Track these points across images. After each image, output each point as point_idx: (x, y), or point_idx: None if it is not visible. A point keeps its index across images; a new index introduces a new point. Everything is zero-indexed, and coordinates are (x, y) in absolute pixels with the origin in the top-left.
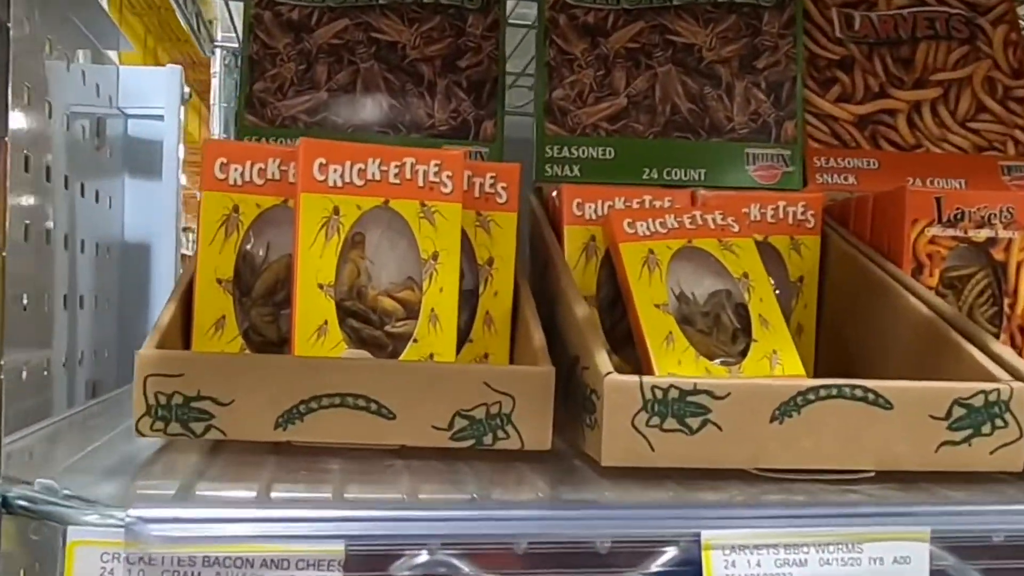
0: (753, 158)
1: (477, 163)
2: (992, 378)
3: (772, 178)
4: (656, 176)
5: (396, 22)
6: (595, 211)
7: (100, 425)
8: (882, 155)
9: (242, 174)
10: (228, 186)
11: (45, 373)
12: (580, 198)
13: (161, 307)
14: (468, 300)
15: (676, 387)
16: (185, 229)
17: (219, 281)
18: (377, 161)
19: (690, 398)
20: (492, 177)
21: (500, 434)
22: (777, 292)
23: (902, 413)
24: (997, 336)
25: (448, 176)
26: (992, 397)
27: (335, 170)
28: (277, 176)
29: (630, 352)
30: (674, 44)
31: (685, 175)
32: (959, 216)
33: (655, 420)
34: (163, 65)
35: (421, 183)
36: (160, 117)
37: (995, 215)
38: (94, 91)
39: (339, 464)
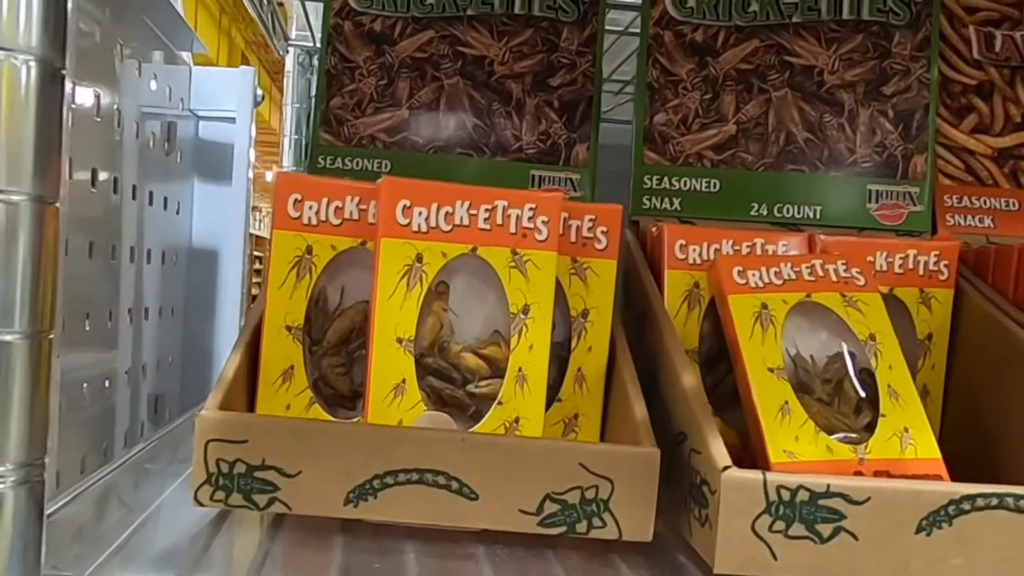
0: (876, 195)
1: (575, 204)
2: None
3: (897, 218)
4: (765, 212)
5: (485, 35)
6: (700, 254)
7: (158, 474)
8: (1023, 194)
9: (317, 212)
10: (302, 225)
11: (107, 385)
12: (684, 239)
13: (227, 313)
14: (558, 354)
15: (806, 488)
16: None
17: (288, 328)
18: (466, 204)
19: (822, 501)
20: (591, 220)
21: (596, 522)
22: (904, 338)
23: None
24: None
25: (544, 221)
26: None
27: (420, 213)
28: (356, 216)
29: (733, 415)
30: (791, 66)
31: (798, 212)
32: None
33: (779, 525)
34: (237, 59)
35: (513, 229)
36: (232, 119)
37: None
38: (166, 94)
39: (414, 549)
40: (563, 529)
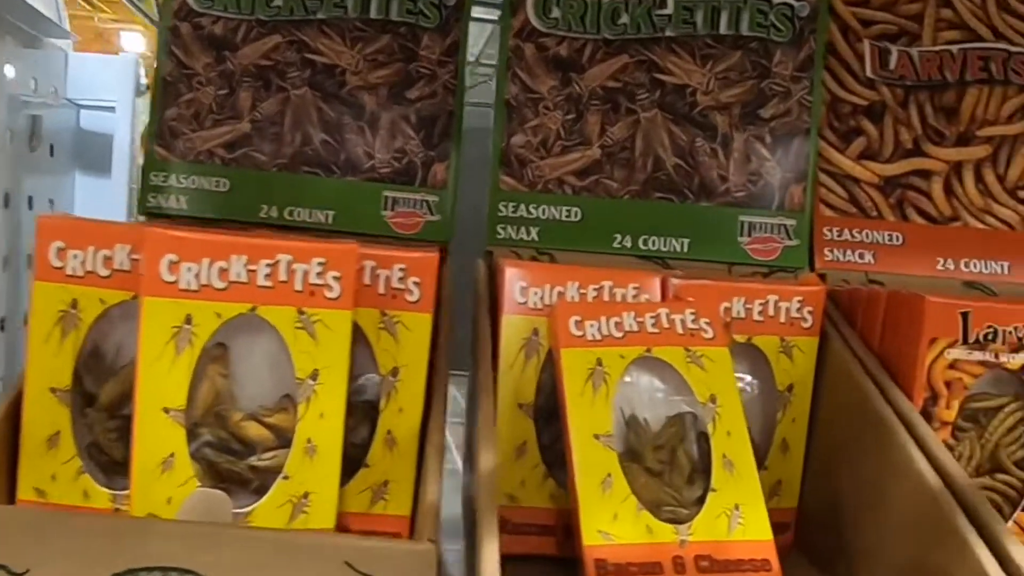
0: (749, 227)
1: (384, 250)
2: None
3: (770, 253)
4: (630, 244)
5: (336, 42)
6: (541, 298)
7: None
8: (909, 228)
9: (83, 262)
10: (65, 276)
11: None
12: (525, 281)
13: None
14: (368, 415)
15: None
16: None
17: (53, 390)
18: (243, 259)
19: None
20: (402, 270)
21: None
22: (762, 389)
23: None
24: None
25: (335, 277)
26: None
27: (189, 269)
28: (127, 266)
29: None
30: (663, 85)
31: (665, 244)
32: (990, 336)
33: None
34: None
35: (299, 286)
36: (112, 108)
37: None
38: (31, 84)
39: None
40: None
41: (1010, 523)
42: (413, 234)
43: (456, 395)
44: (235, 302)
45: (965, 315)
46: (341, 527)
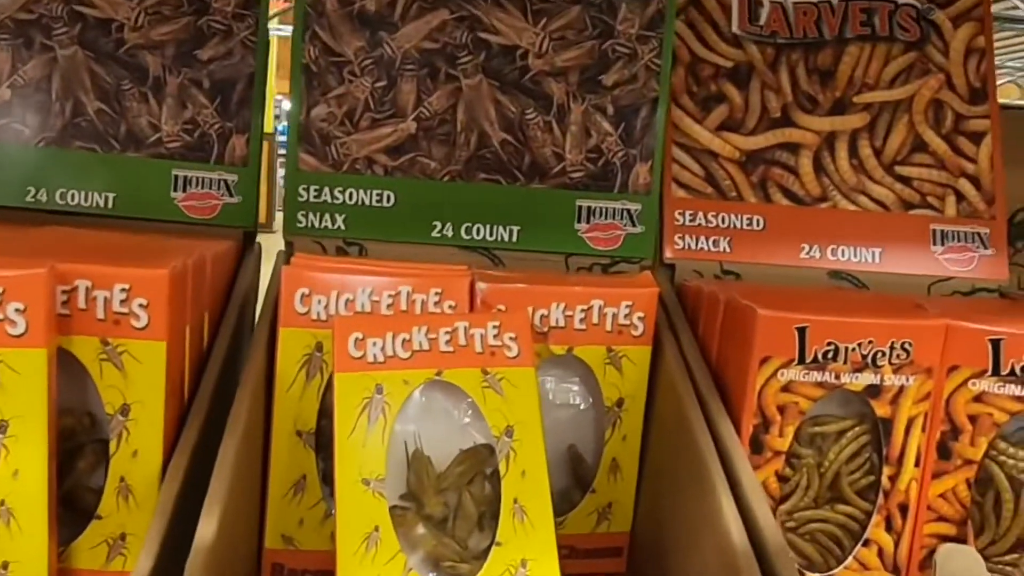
0: (588, 213)
1: (100, 269)
2: None
3: (612, 242)
4: (451, 233)
5: None
6: (326, 307)
7: None
8: (771, 210)
9: None
10: None
11: None
12: (307, 286)
13: None
14: (101, 457)
15: None
16: None
17: None
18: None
19: None
20: (124, 291)
21: None
22: (592, 415)
23: None
24: (871, 511)
25: (18, 309)
26: None
27: None
28: None
29: None
30: (488, 46)
31: (491, 233)
32: (831, 354)
33: None
34: None
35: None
36: None
37: (883, 353)
38: None
39: None
40: None
41: (850, 559)
42: (209, 219)
43: None
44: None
45: (802, 331)
46: None
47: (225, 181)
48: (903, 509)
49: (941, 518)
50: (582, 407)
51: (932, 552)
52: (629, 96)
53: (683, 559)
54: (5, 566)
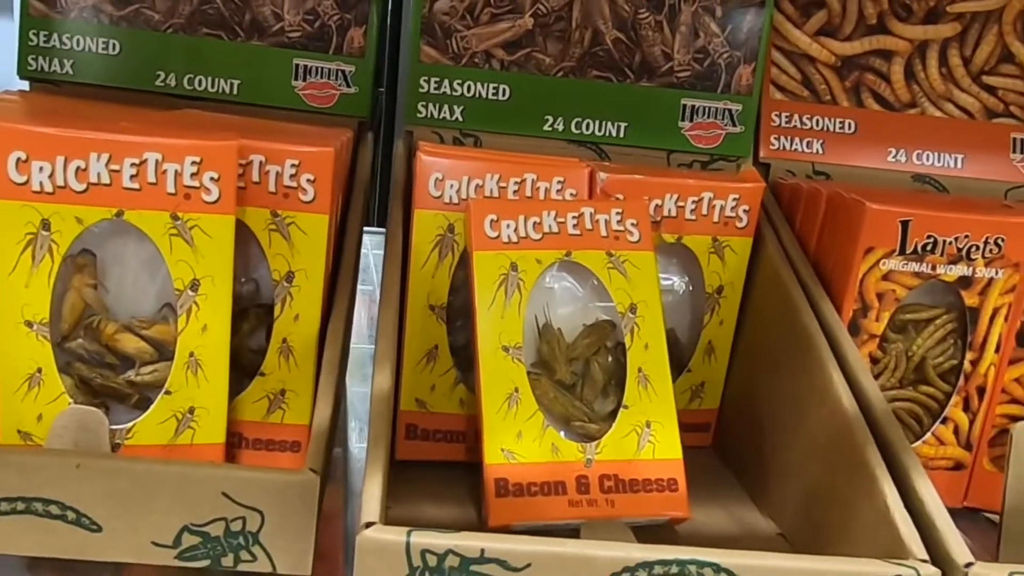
0: (691, 112)
1: (273, 146)
2: (894, 548)
3: (712, 140)
4: (562, 128)
5: None
6: (458, 191)
7: None
8: (862, 115)
9: None
10: None
11: None
12: (440, 172)
13: None
14: (263, 320)
15: (456, 552)
16: None
17: None
18: (105, 157)
19: (475, 567)
20: (294, 166)
21: (244, 555)
22: (691, 289)
23: None
24: (951, 392)
25: (212, 178)
26: None
27: (41, 169)
28: None
29: None
30: None
31: (600, 128)
32: (929, 247)
33: None
34: None
35: (172, 188)
36: None
37: (977, 247)
38: None
39: None
40: (206, 563)
41: (928, 435)
42: (327, 108)
43: None
44: (98, 206)
45: (905, 224)
46: (236, 437)
47: (343, 71)
48: (980, 391)
49: (1014, 400)
50: (682, 293)
51: (1003, 431)
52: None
53: (784, 430)
54: (191, 411)
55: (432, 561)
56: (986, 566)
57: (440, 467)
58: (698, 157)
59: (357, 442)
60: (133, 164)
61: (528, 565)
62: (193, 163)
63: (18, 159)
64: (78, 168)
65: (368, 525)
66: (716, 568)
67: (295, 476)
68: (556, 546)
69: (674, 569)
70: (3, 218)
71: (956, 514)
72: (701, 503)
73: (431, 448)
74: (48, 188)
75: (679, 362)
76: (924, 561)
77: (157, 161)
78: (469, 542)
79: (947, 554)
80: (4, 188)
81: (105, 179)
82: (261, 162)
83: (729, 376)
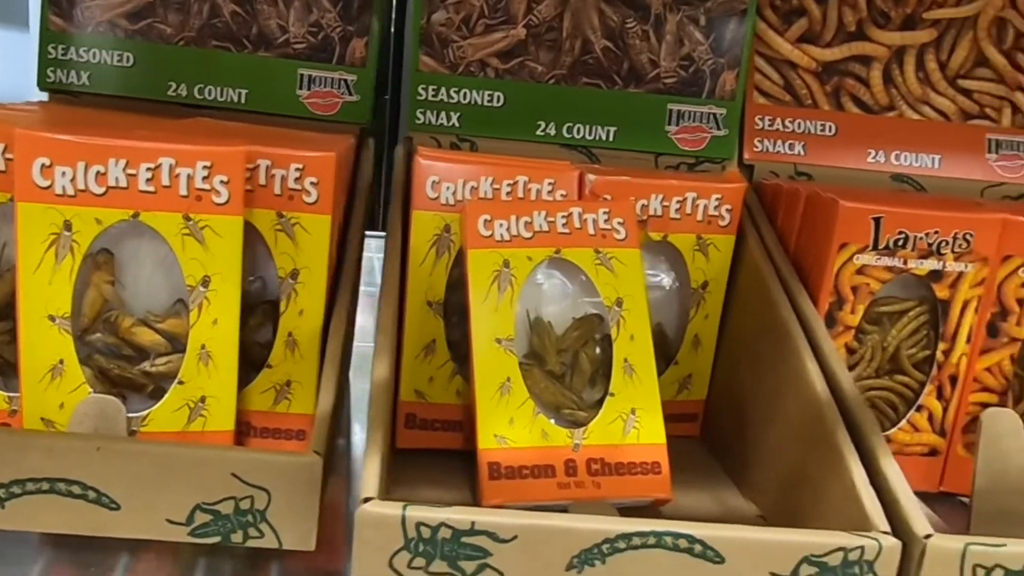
0: (678, 116)
1: (279, 151)
2: (859, 522)
3: (698, 143)
4: (554, 132)
5: None
6: (454, 193)
7: None
8: (842, 118)
9: None
10: None
11: None
12: (437, 175)
13: None
14: (269, 315)
15: (448, 525)
16: None
17: None
18: (122, 162)
19: (466, 539)
20: (298, 170)
21: (252, 532)
22: (677, 285)
23: (736, 570)
24: (925, 381)
25: (223, 181)
26: (853, 555)
27: (64, 173)
28: (1, 166)
29: None
30: None
31: (590, 133)
32: (901, 242)
33: (419, 562)
34: None
35: (184, 191)
36: None
37: (946, 243)
38: None
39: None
40: (217, 539)
41: (903, 422)
42: (330, 115)
43: None
44: (116, 208)
45: (877, 220)
46: (244, 425)
47: (345, 80)
48: (953, 380)
49: (985, 388)
50: (669, 289)
51: (975, 419)
52: (720, 8)
53: (763, 417)
54: (203, 400)
55: (426, 533)
56: (944, 537)
57: (439, 455)
58: (684, 159)
59: (360, 435)
60: (149, 169)
61: (515, 537)
62: (204, 167)
63: (42, 165)
64: (98, 173)
65: (367, 500)
66: (690, 539)
67: (300, 458)
68: (541, 519)
69: (651, 540)
70: (29, 219)
71: (932, 498)
72: (687, 489)
73: (430, 437)
74: (70, 191)
75: (667, 355)
76: (886, 533)
77: (171, 166)
78: (460, 516)
79: (908, 527)
80: (30, 191)
81: (123, 183)
82: (268, 166)
83: (715, 368)
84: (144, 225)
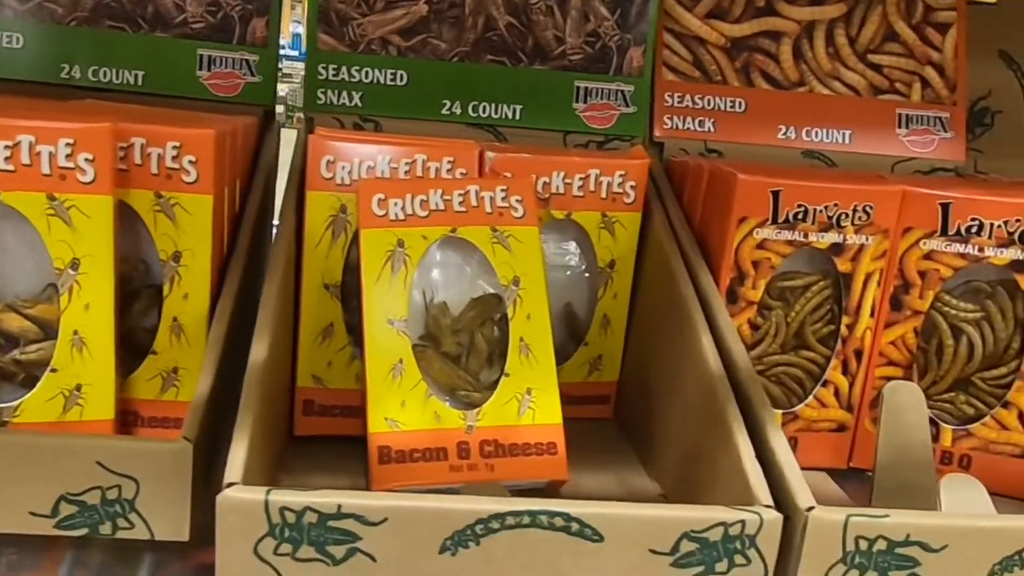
0: (585, 93)
1: (157, 128)
2: (744, 496)
3: (606, 121)
4: (459, 111)
5: None
6: (350, 173)
7: None
8: (752, 94)
9: None
10: None
11: None
12: (331, 154)
13: None
14: (155, 300)
15: (314, 509)
16: None
17: None
18: None
19: (333, 523)
20: (176, 148)
21: (122, 522)
22: (587, 275)
23: (616, 548)
24: (830, 356)
25: (88, 159)
26: (734, 530)
27: None
28: None
29: None
30: None
31: (496, 111)
32: (800, 215)
33: (286, 547)
34: None
35: (47, 170)
36: None
37: (846, 215)
38: None
39: None
40: (84, 531)
41: (810, 398)
42: (233, 96)
43: None
44: None
45: (776, 193)
46: (131, 415)
47: (247, 60)
48: (858, 354)
49: (890, 362)
50: (577, 269)
51: (881, 392)
52: None
53: (666, 395)
54: (79, 388)
55: (291, 518)
56: (825, 509)
57: (338, 441)
58: (594, 138)
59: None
60: (7, 147)
61: (385, 519)
62: (67, 145)
63: None
64: None
65: (229, 485)
66: (566, 517)
67: (168, 445)
68: (411, 500)
69: (526, 520)
70: None
71: (841, 474)
72: (592, 470)
73: (329, 423)
74: None
75: (578, 336)
76: (768, 507)
77: (31, 143)
78: (325, 499)
79: (792, 500)
80: None
81: None
82: (143, 144)
83: (626, 348)
84: (6, 206)
